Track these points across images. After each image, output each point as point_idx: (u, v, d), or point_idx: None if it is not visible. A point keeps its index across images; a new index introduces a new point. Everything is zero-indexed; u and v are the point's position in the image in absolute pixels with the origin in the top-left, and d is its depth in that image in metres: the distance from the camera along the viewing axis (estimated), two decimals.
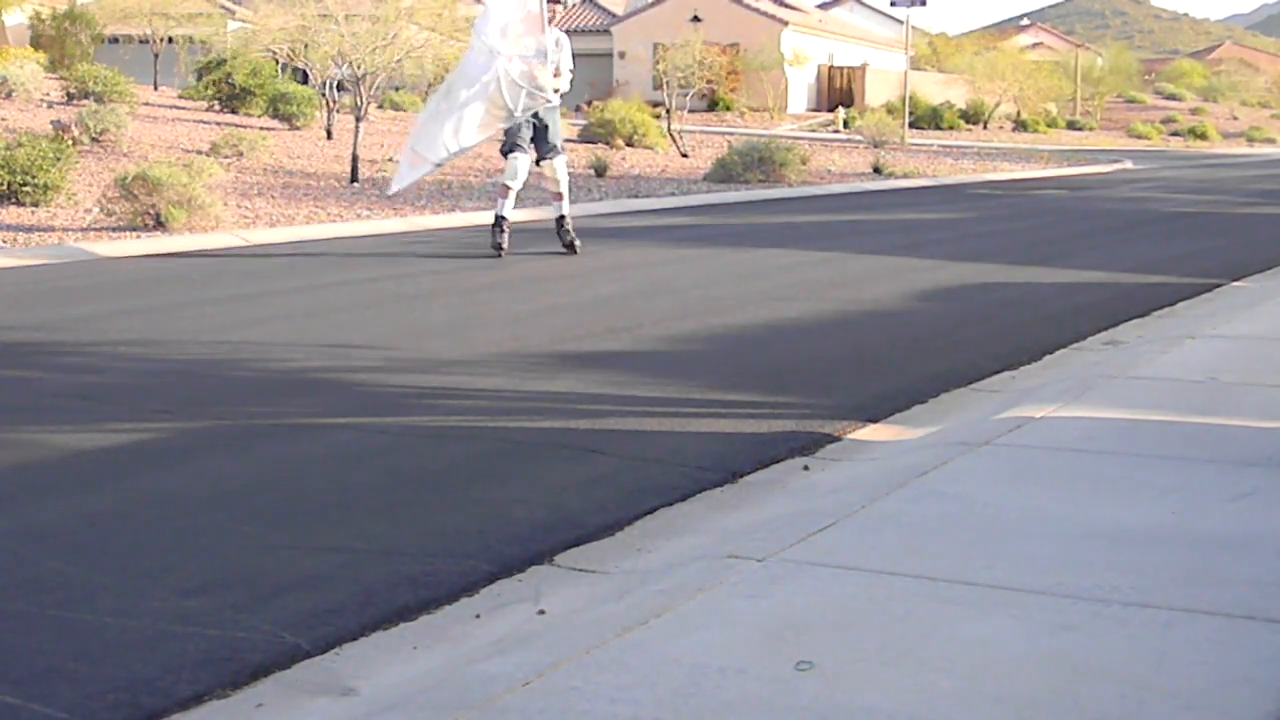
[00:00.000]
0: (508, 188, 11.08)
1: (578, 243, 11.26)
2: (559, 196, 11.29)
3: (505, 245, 11.01)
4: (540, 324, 7.87)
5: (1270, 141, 55.13)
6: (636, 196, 17.93)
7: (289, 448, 5.06)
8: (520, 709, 2.69)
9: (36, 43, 32.39)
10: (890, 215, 16.98)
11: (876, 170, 24.52)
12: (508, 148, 11.07)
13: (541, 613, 3.41)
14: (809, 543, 3.71)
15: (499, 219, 11.08)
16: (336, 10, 18.15)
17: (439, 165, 10.93)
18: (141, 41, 33.29)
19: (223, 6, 37.11)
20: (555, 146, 11.08)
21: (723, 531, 4.03)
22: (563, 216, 11.35)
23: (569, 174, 11.55)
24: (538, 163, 11.24)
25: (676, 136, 26.26)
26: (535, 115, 10.81)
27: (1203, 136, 54.52)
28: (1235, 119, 65.50)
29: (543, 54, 10.55)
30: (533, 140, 11.00)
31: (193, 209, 12.29)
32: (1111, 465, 4.54)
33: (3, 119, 19.08)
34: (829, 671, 2.84)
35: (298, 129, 22.99)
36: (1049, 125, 52.52)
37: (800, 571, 3.46)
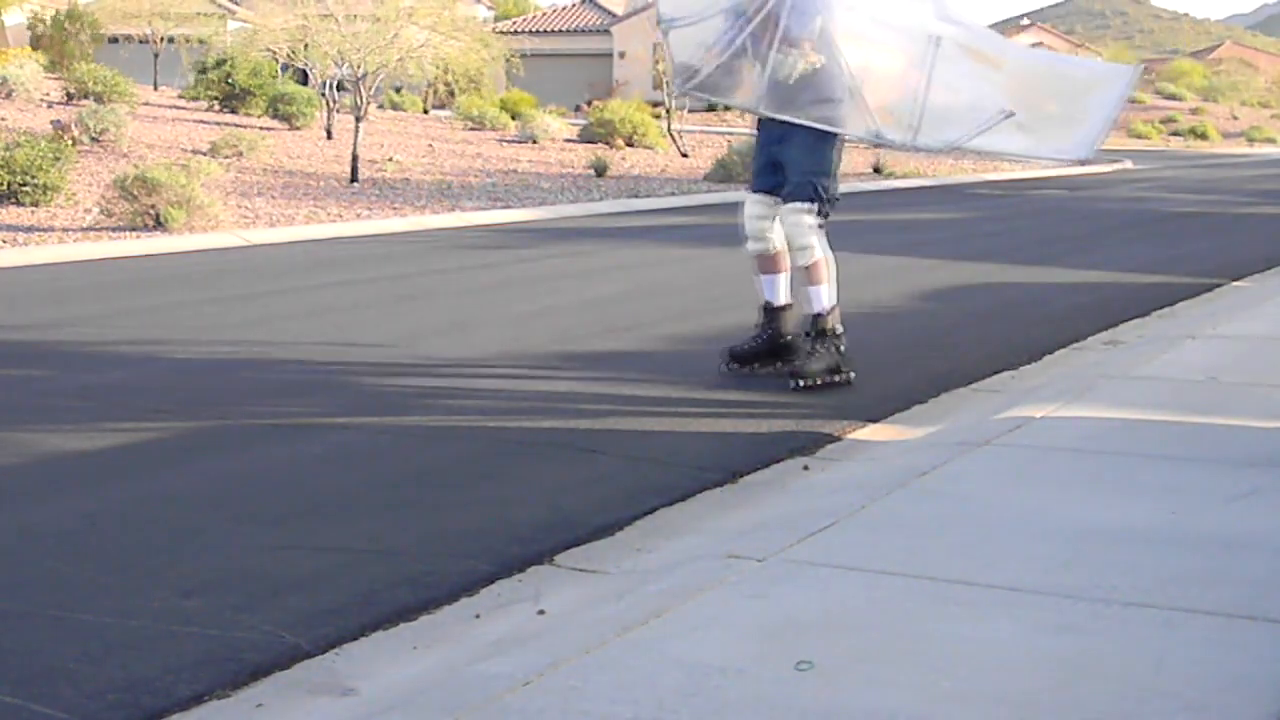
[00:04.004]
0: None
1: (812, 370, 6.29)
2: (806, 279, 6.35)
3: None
4: (540, 324, 7.87)
5: (1270, 141, 55.09)
6: (636, 196, 17.93)
7: (289, 448, 5.06)
8: (520, 709, 2.68)
9: (36, 43, 32.39)
10: (890, 215, 16.98)
11: (876, 170, 24.52)
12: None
13: (541, 613, 3.41)
14: (809, 543, 3.71)
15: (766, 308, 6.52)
16: (337, 10, 18.16)
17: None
18: (141, 41, 33.27)
19: (223, 6, 37.10)
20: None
21: (723, 531, 4.03)
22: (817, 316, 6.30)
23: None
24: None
25: (676, 136, 26.27)
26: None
27: (1203, 136, 54.49)
28: (1235, 119, 65.46)
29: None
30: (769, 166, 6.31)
31: (192, 209, 12.30)
32: (1111, 465, 4.54)
33: (3, 119, 19.08)
34: (829, 671, 2.84)
35: (298, 129, 22.99)
36: None
37: (800, 571, 3.46)
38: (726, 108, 44.77)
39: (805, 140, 6.09)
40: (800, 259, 6.23)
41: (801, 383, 6.10)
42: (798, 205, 6.13)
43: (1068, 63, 6.99)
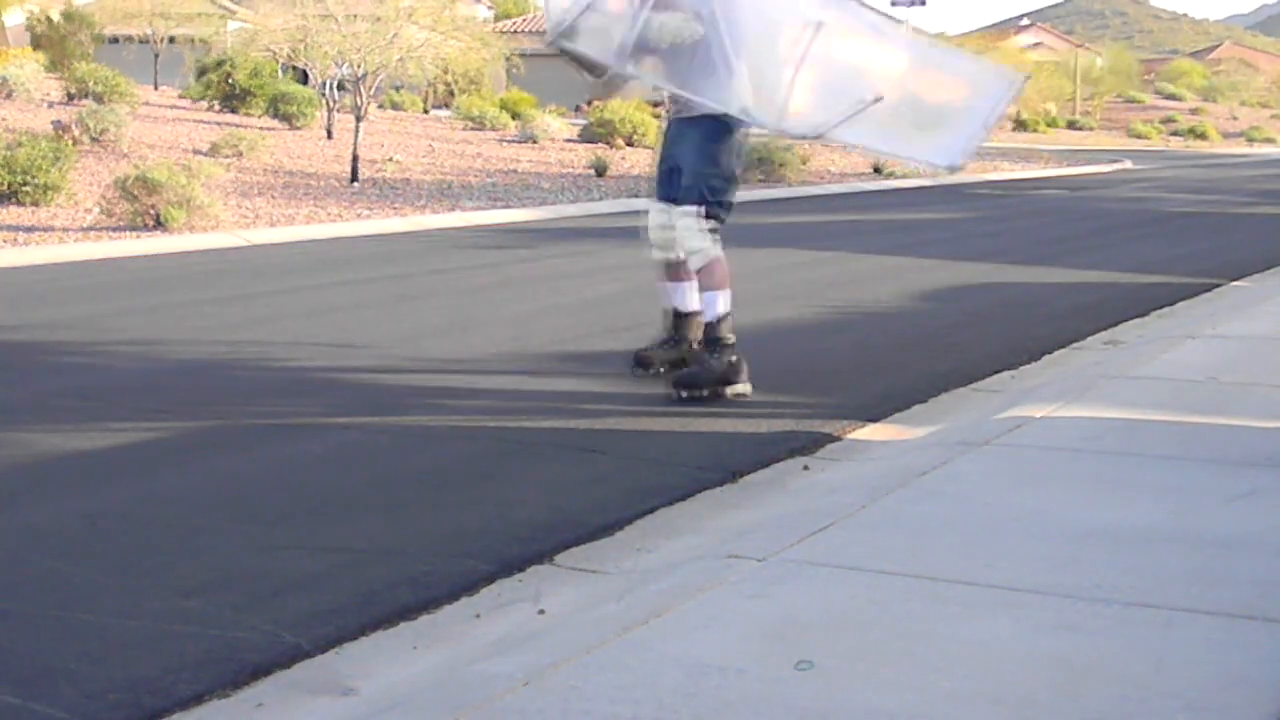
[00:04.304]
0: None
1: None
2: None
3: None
4: (540, 324, 7.87)
5: (1270, 141, 55.13)
6: (636, 196, 17.93)
7: (289, 448, 5.06)
8: (520, 709, 2.69)
9: (36, 43, 32.39)
10: (890, 215, 16.98)
11: (877, 170, 24.51)
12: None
13: (541, 613, 3.41)
14: (809, 543, 3.71)
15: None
16: (337, 10, 18.16)
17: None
18: (142, 41, 33.28)
19: (223, 6, 37.10)
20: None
21: (723, 531, 4.03)
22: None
23: None
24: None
25: None
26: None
27: (1203, 136, 54.53)
28: (1235, 119, 65.49)
29: None
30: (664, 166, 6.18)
31: (192, 209, 12.30)
32: (1111, 465, 4.54)
33: (3, 119, 19.08)
34: (829, 671, 2.84)
35: (298, 129, 22.99)
36: (1049, 125, 52.52)
37: (800, 571, 3.46)
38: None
39: (696, 140, 5.90)
40: (692, 263, 5.99)
41: (684, 393, 5.84)
42: (687, 208, 5.92)
43: (954, 61, 6.57)
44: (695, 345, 6.18)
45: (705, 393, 5.85)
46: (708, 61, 5.73)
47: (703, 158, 5.92)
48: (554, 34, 5.97)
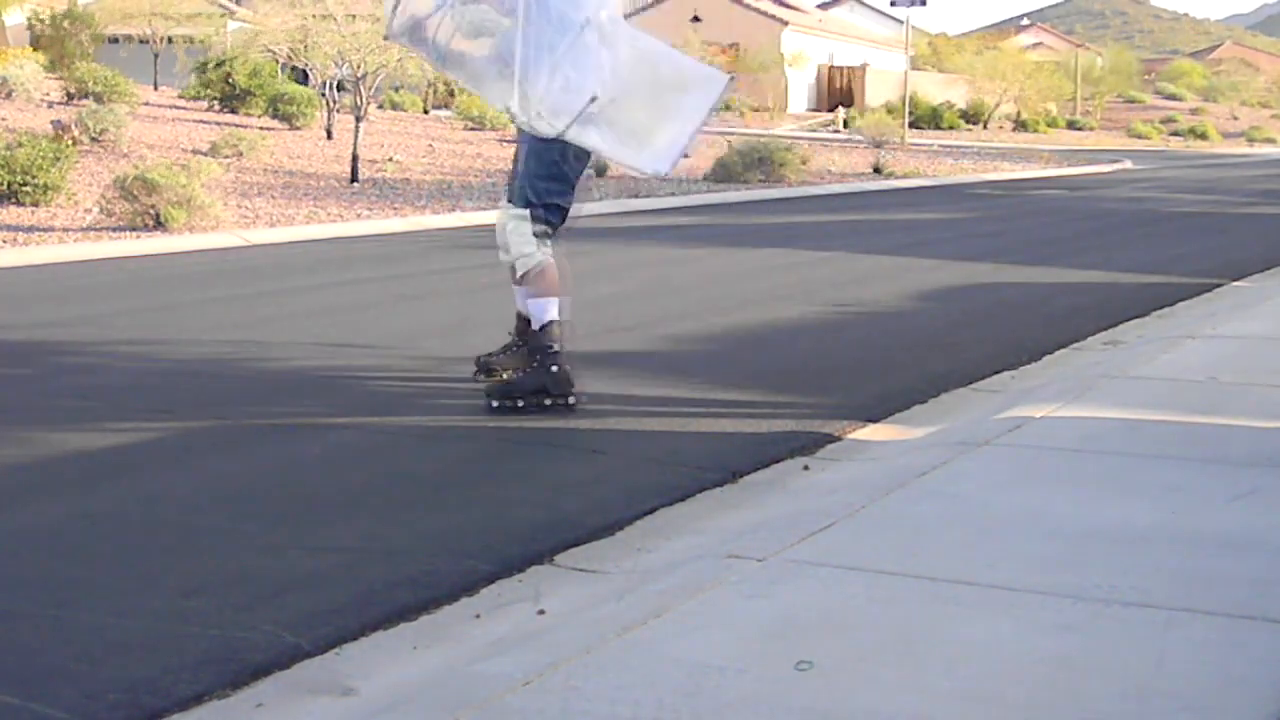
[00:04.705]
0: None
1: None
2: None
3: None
4: None
5: (1270, 141, 55.11)
6: (636, 196, 17.92)
7: (289, 448, 5.06)
8: (520, 709, 2.69)
9: (36, 43, 32.39)
10: (890, 215, 16.98)
11: (877, 170, 24.51)
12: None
13: (541, 613, 3.41)
14: (809, 543, 3.71)
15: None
16: (336, 10, 18.15)
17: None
18: (141, 41, 33.28)
19: (223, 6, 37.10)
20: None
21: (723, 531, 4.03)
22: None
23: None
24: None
25: None
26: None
27: (1203, 136, 54.52)
28: (1235, 119, 65.48)
29: None
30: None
31: (192, 209, 12.30)
32: (1111, 465, 4.54)
33: (3, 119, 19.08)
34: (829, 671, 2.84)
35: (298, 129, 22.99)
36: (1049, 125, 52.53)
37: (800, 571, 3.46)
38: (727, 107, 44.87)
39: (533, 143, 5.67)
40: (518, 266, 5.76)
41: (495, 403, 5.61)
42: (517, 211, 5.73)
43: (665, 57, 5.86)
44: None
45: (520, 403, 5.60)
46: (495, 56, 5.60)
47: (537, 160, 5.69)
48: (386, 30, 5.95)
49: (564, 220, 5.82)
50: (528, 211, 5.71)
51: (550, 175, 5.70)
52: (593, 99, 5.44)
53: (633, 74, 5.63)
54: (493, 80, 5.69)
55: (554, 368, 5.64)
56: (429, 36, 5.72)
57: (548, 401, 5.63)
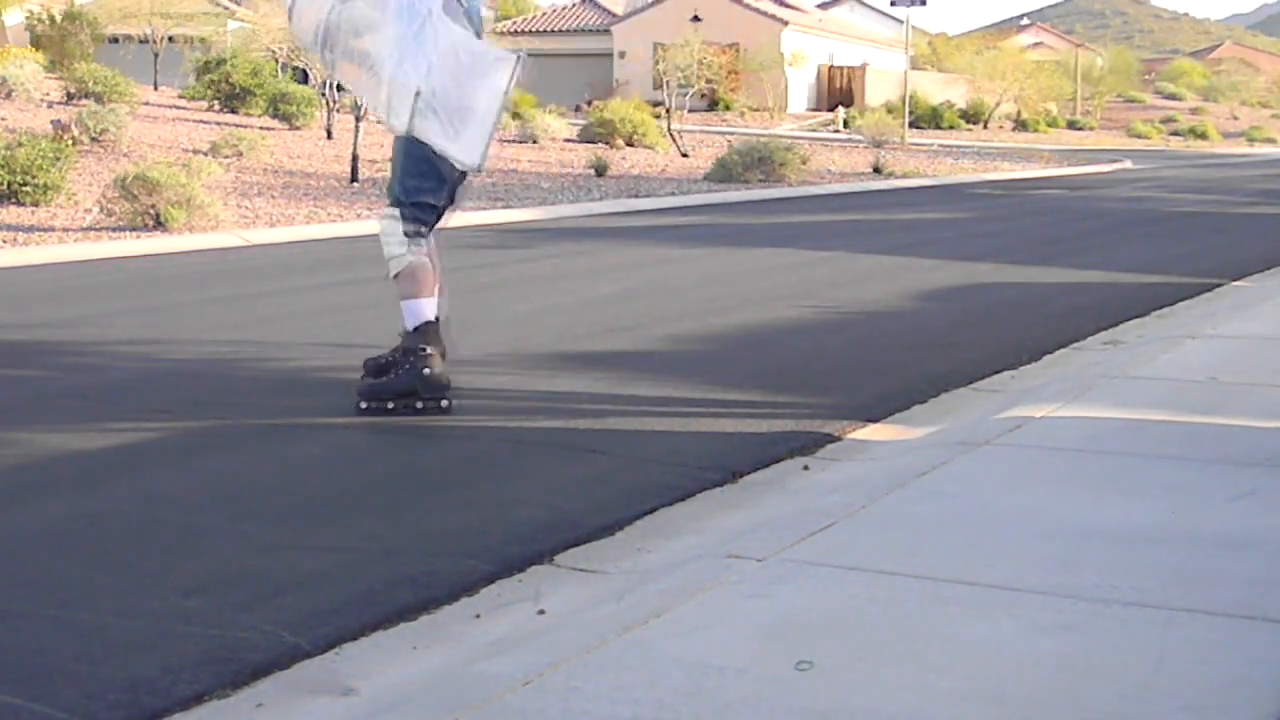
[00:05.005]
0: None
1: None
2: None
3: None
4: (540, 324, 7.87)
5: (1270, 141, 55.13)
6: (636, 196, 17.93)
7: (289, 448, 5.06)
8: (520, 709, 2.69)
9: (36, 43, 32.38)
10: (890, 215, 16.98)
11: (876, 170, 24.52)
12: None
13: (541, 613, 3.41)
14: (809, 543, 3.71)
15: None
16: None
17: None
18: (142, 41, 33.27)
19: (223, 6, 37.10)
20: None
21: (723, 531, 4.03)
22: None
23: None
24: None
25: (676, 136, 26.27)
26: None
27: (1203, 136, 54.54)
28: (1235, 119, 65.50)
29: None
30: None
31: (192, 209, 12.30)
32: (1111, 465, 4.54)
33: (3, 119, 19.08)
34: (829, 671, 2.84)
35: (298, 129, 22.99)
36: (1049, 125, 52.54)
37: (800, 571, 3.46)
38: (727, 107, 44.91)
39: (403, 141, 5.57)
40: (390, 268, 5.63)
41: (363, 404, 5.53)
42: (388, 211, 5.64)
43: (464, 43, 5.60)
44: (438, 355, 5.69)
45: (389, 405, 5.51)
46: (368, 53, 5.50)
47: (405, 157, 5.57)
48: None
49: (438, 219, 5.69)
50: (398, 211, 5.59)
51: (419, 173, 5.56)
52: (417, 93, 5.35)
53: (445, 63, 5.47)
54: (365, 80, 5.58)
55: (425, 370, 5.52)
56: (322, 40, 5.59)
57: (419, 405, 5.52)
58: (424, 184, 5.54)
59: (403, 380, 5.54)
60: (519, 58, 5.54)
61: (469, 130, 5.45)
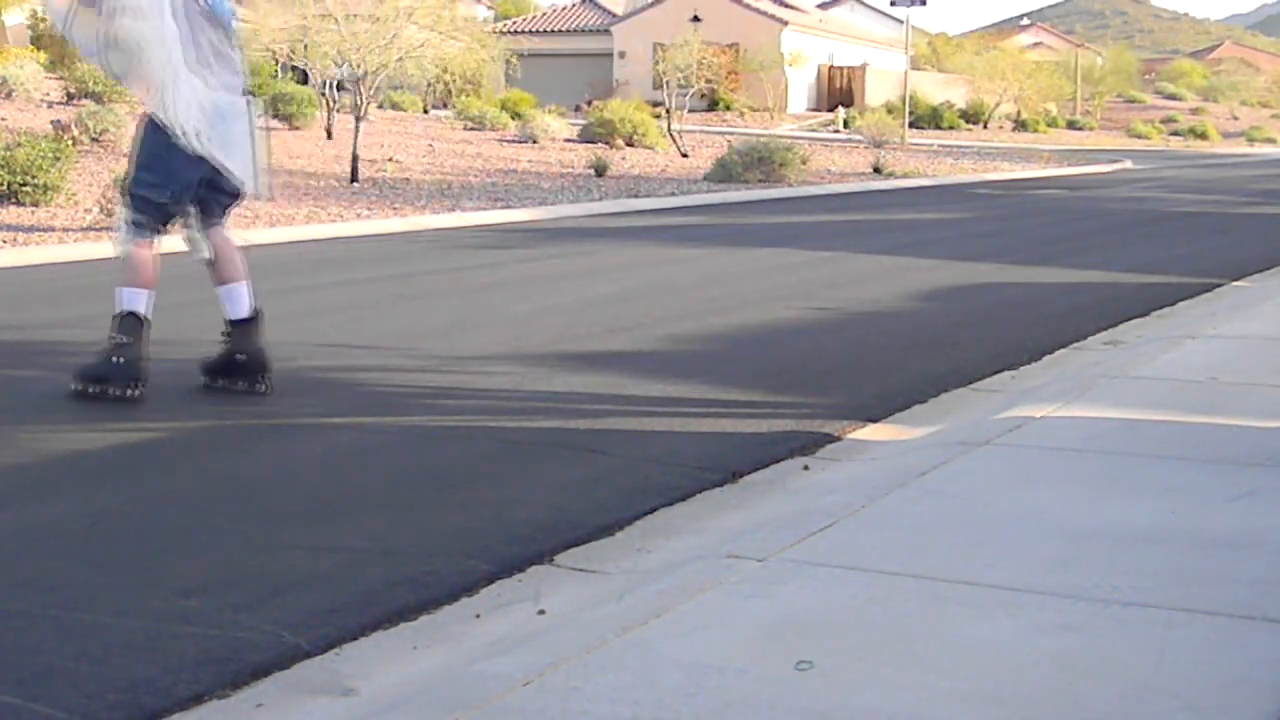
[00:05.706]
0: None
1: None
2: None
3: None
4: (540, 324, 7.87)
5: (1270, 141, 55.13)
6: (636, 196, 17.93)
7: (289, 448, 5.06)
8: (520, 709, 2.69)
9: (37, 42, 32.39)
10: (890, 215, 16.98)
11: (876, 170, 24.52)
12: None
13: (541, 613, 3.41)
14: (809, 543, 3.71)
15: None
16: (336, 10, 18.16)
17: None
18: None
19: None
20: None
21: (723, 531, 4.03)
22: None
23: None
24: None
25: (676, 136, 26.28)
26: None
27: (1203, 136, 54.54)
28: (1235, 119, 65.51)
29: None
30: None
31: None
32: (1112, 465, 4.54)
33: (3, 119, 19.08)
34: (829, 671, 2.84)
35: (298, 129, 22.99)
36: (1049, 125, 52.55)
37: (800, 571, 3.46)
38: (727, 107, 44.91)
39: (141, 135, 5.64)
40: (119, 254, 5.74)
41: (74, 386, 5.57)
42: (125, 201, 5.73)
43: (231, 60, 5.72)
44: (244, 356, 5.88)
45: (90, 390, 5.54)
46: (144, 56, 5.48)
47: (142, 151, 5.62)
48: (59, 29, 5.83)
49: (162, 218, 5.67)
50: (130, 200, 5.64)
51: (147, 166, 5.59)
52: (196, 132, 5.46)
53: (205, 107, 5.54)
54: (131, 69, 5.58)
55: (119, 359, 5.53)
56: (83, 27, 5.55)
57: (114, 392, 5.54)
58: (149, 178, 5.58)
59: (100, 366, 5.59)
60: (248, 102, 5.76)
61: (235, 159, 5.62)
